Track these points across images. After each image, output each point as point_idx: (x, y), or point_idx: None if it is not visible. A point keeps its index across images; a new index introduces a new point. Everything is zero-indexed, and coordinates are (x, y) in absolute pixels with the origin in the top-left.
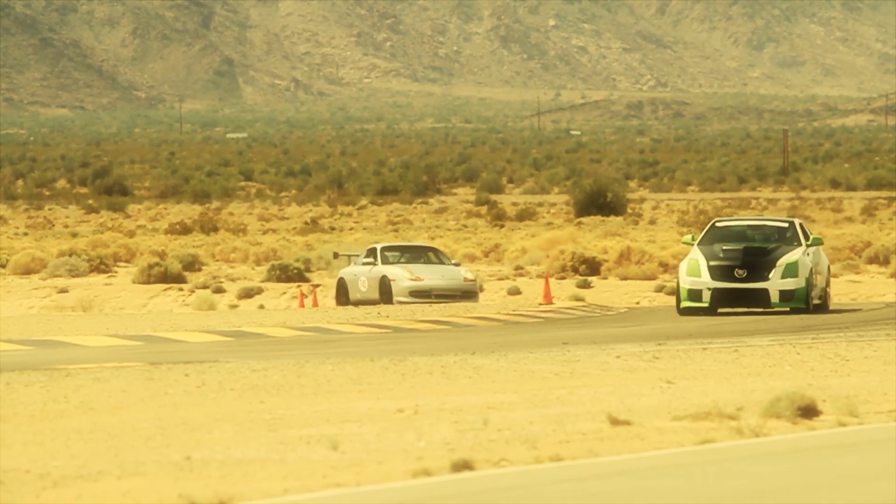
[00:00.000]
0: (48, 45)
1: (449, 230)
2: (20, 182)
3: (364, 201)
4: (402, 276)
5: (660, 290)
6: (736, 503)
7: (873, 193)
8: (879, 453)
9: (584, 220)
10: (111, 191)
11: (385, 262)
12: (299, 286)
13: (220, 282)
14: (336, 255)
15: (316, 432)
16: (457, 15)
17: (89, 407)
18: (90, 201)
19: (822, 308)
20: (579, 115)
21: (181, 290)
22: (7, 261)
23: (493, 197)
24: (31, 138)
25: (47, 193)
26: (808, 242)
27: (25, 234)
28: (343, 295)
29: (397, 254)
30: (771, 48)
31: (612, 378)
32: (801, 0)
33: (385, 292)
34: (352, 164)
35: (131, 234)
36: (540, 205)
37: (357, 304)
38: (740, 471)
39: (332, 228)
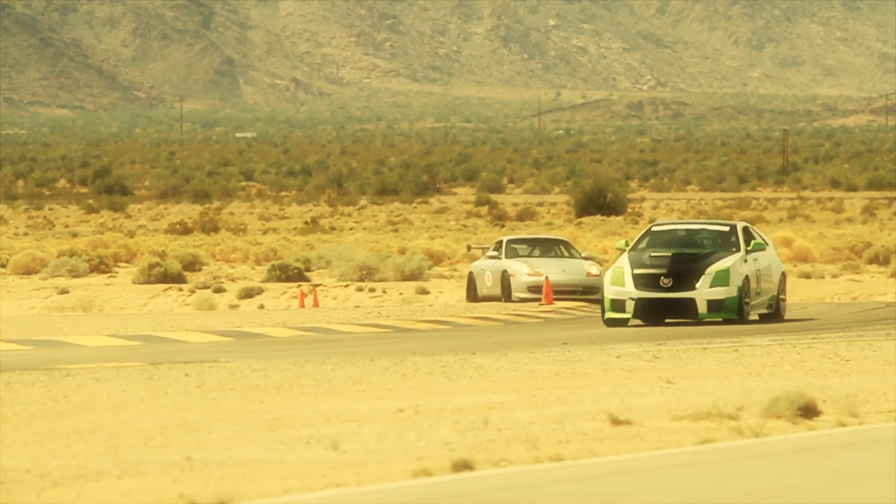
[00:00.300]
0: (48, 45)
1: (449, 230)
2: (20, 182)
3: (364, 201)
4: (521, 270)
5: None
6: (736, 503)
7: (873, 193)
8: (879, 453)
9: (584, 220)
10: (111, 191)
11: (510, 255)
12: (300, 286)
13: (221, 282)
14: (469, 249)
15: (316, 432)
16: (457, 15)
17: (89, 407)
18: (90, 201)
19: (775, 317)
20: (579, 115)
21: (181, 290)
22: (7, 261)
23: (494, 197)
24: (43, 138)
25: (47, 193)
26: (749, 248)
27: (26, 234)
28: (472, 290)
29: (524, 247)
30: (771, 48)
31: (613, 378)
32: (801, 0)
33: (506, 288)
34: (352, 163)
35: (132, 234)
36: (540, 205)
37: (484, 300)
38: (740, 471)
39: (333, 228)
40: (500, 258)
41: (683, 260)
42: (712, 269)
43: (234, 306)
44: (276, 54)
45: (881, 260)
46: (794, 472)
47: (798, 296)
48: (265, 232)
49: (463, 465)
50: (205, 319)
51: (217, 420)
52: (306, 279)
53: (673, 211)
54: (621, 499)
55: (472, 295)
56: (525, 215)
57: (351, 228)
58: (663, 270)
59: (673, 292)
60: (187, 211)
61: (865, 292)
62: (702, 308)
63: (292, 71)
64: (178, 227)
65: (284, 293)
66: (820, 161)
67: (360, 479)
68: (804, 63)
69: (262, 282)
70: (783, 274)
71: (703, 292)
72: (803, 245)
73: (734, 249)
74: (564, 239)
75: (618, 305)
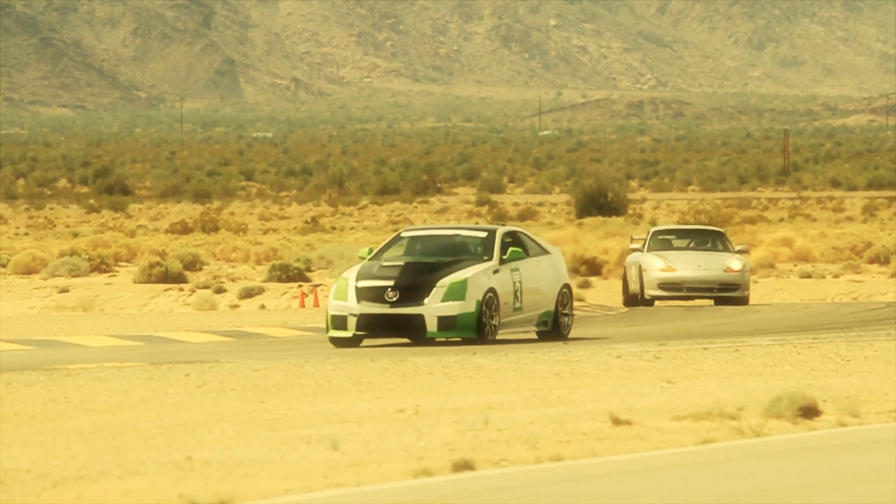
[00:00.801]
0: (49, 45)
1: None
2: (21, 182)
3: (365, 201)
4: (654, 265)
5: None
6: (736, 503)
7: (874, 193)
8: (880, 453)
9: (584, 220)
10: (112, 190)
11: (653, 247)
12: (300, 286)
13: (221, 282)
14: (632, 240)
15: (316, 432)
16: (457, 14)
17: (90, 407)
18: (91, 201)
19: (555, 335)
20: (580, 115)
21: (182, 290)
22: (8, 260)
23: (494, 197)
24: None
25: (48, 193)
26: (506, 256)
27: (26, 233)
28: (625, 289)
29: (672, 238)
30: (771, 48)
31: (613, 378)
32: (802, 0)
33: (641, 285)
34: (352, 163)
35: (132, 234)
36: (541, 205)
37: (633, 299)
38: (741, 471)
39: (333, 228)
40: (642, 251)
41: (415, 270)
42: (446, 282)
43: (234, 306)
44: (277, 54)
45: (882, 260)
46: (794, 472)
47: (799, 296)
48: (265, 232)
49: (463, 466)
50: (205, 319)
51: (217, 420)
52: (307, 279)
53: (674, 212)
54: (622, 499)
55: (625, 294)
56: (525, 215)
57: (352, 228)
58: (390, 282)
59: (399, 307)
60: (188, 210)
61: (866, 292)
62: (431, 326)
63: (293, 71)
64: (178, 226)
65: (285, 293)
66: (820, 161)
67: (361, 479)
68: (804, 63)
69: (263, 282)
70: (566, 286)
71: (433, 308)
72: (804, 245)
73: (486, 258)
74: (719, 230)
75: (339, 322)
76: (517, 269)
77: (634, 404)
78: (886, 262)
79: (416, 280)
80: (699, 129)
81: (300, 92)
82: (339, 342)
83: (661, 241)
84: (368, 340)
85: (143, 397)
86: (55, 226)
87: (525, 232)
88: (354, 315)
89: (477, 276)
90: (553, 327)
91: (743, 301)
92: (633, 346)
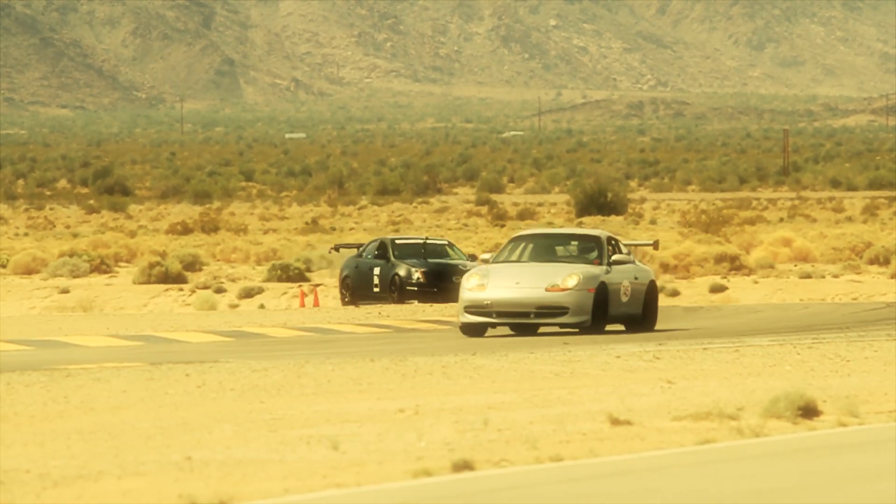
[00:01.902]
0: (49, 45)
1: (450, 230)
2: (21, 182)
3: (365, 201)
4: (467, 283)
5: (659, 290)
6: (736, 503)
7: (874, 193)
8: (879, 453)
9: (584, 220)
10: (112, 191)
11: (503, 258)
12: (300, 286)
13: (221, 282)
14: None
15: (316, 432)
16: (457, 15)
17: (89, 407)
18: (91, 201)
19: None
20: (580, 115)
21: (182, 290)
22: (8, 261)
23: (494, 197)
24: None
25: (48, 193)
26: None
27: (26, 234)
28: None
29: (532, 245)
30: (771, 48)
31: (613, 378)
32: (802, 0)
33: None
34: (352, 164)
35: (132, 235)
36: (540, 205)
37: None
38: (740, 471)
39: (333, 228)
40: (489, 262)
41: None
42: None
43: (234, 306)
44: (277, 54)
45: (881, 260)
46: (794, 472)
47: (798, 296)
48: (266, 232)
49: (463, 466)
50: (205, 319)
51: (217, 420)
52: (307, 279)
53: (674, 212)
54: (621, 499)
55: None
56: (525, 215)
57: (351, 229)
58: None
59: None
60: (188, 211)
61: (866, 293)
62: None
63: (293, 71)
64: (178, 227)
65: (285, 293)
66: (820, 161)
67: (361, 479)
68: (804, 63)
69: (263, 282)
70: None
71: None
72: (804, 245)
73: None
74: (597, 234)
75: None
76: None
77: (634, 404)
78: (886, 262)
79: None
80: (699, 129)
81: (300, 92)
82: None
83: (517, 251)
84: None
85: (142, 397)
86: (55, 226)
87: None
88: None
89: None
90: None
91: (583, 328)
92: (632, 346)
